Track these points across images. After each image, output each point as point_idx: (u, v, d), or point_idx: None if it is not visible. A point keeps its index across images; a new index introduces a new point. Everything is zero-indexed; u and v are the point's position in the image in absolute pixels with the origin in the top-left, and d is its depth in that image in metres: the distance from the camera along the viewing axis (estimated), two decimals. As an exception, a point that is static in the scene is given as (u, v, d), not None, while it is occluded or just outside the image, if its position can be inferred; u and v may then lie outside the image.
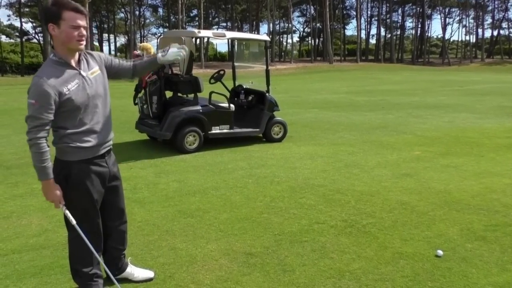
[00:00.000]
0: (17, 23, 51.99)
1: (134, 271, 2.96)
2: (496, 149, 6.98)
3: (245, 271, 3.07)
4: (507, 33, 70.48)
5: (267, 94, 7.63)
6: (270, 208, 4.32)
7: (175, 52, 2.67)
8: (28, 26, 68.41)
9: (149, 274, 2.99)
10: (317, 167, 5.92)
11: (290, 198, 4.62)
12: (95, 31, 55.97)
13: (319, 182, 5.20)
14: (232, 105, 7.33)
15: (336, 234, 3.69)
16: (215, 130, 7.17)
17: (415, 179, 5.28)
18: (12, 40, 56.98)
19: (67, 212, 2.45)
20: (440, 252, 3.28)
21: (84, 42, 2.35)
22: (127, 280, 2.93)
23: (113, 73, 2.65)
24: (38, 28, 52.75)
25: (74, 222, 2.44)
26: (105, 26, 59.25)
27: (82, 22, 2.32)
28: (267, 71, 7.72)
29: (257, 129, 7.59)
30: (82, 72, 2.41)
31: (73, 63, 2.40)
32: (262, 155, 6.67)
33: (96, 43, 57.27)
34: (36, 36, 55.07)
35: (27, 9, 52.40)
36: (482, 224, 3.86)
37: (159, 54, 2.70)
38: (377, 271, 3.06)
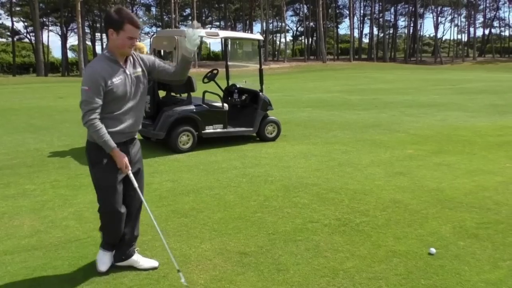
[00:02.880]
0: (8, 23, 51.46)
1: (140, 260, 3.11)
2: (488, 147, 7.03)
3: (239, 270, 3.07)
4: (498, 31, 71.20)
5: (260, 93, 7.63)
6: (264, 207, 4.32)
7: (191, 38, 2.82)
8: (19, 26, 67.88)
9: (153, 263, 3.11)
10: (310, 166, 5.93)
11: (284, 197, 4.63)
12: (87, 30, 55.60)
13: (312, 181, 5.21)
14: (225, 105, 7.32)
15: (330, 233, 3.70)
16: (209, 129, 7.15)
17: (408, 178, 5.31)
18: (3, 40, 56.50)
19: (131, 175, 2.86)
20: (433, 250, 3.30)
21: (132, 50, 2.80)
22: (131, 268, 3.03)
23: (156, 73, 2.98)
24: (29, 28, 52.38)
25: (136, 185, 2.87)
26: (98, 25, 58.82)
27: (136, 34, 2.74)
28: (261, 70, 7.72)
29: (251, 128, 7.59)
30: (126, 70, 2.80)
31: (121, 61, 2.79)
32: (256, 154, 6.67)
33: (89, 43, 56.94)
34: (28, 36, 54.67)
35: (18, 8, 51.98)
36: (474, 222, 3.89)
37: (183, 51, 2.87)
38: (370, 269, 3.07)
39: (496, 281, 2.90)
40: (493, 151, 6.74)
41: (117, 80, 2.73)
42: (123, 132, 2.83)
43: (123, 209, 2.96)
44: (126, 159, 2.79)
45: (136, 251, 3.15)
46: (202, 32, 7.59)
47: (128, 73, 2.81)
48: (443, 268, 3.07)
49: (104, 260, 3.06)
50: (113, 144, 2.73)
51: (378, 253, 3.30)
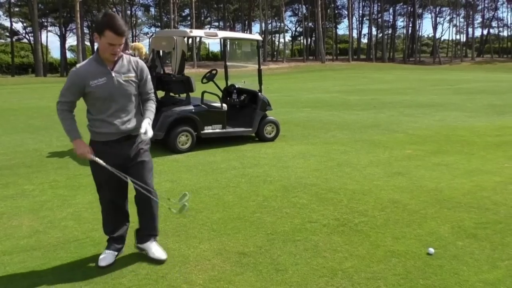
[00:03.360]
0: (7, 23, 51.38)
1: (152, 247, 3.23)
2: (486, 147, 7.04)
3: (238, 270, 3.07)
4: (497, 32, 71.28)
5: (259, 93, 7.63)
6: (262, 208, 4.32)
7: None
8: (18, 26, 67.83)
9: (161, 255, 3.20)
10: (309, 166, 5.93)
11: (283, 197, 4.63)
12: (86, 30, 55.50)
13: (311, 181, 5.22)
14: (224, 105, 7.32)
15: (328, 233, 3.70)
16: (208, 129, 7.15)
17: (407, 178, 5.32)
18: (2, 40, 56.39)
19: (97, 159, 2.92)
20: (431, 250, 3.31)
21: (115, 56, 2.86)
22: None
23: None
24: (28, 28, 52.31)
25: (103, 164, 2.91)
26: (97, 25, 58.74)
27: (118, 42, 2.78)
28: (260, 71, 7.72)
29: (250, 129, 7.59)
30: (112, 73, 2.88)
31: (108, 63, 2.88)
32: (255, 155, 6.67)
33: (88, 43, 56.81)
34: (27, 36, 54.61)
35: (17, 9, 51.91)
36: (472, 222, 3.90)
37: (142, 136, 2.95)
38: (369, 269, 3.07)
39: (495, 281, 2.91)
40: (491, 151, 6.75)
41: (99, 81, 2.84)
42: (113, 133, 2.95)
43: (117, 201, 3.19)
44: (85, 150, 2.89)
45: (153, 239, 3.28)
46: (202, 33, 7.61)
47: (113, 75, 2.88)
48: (442, 268, 3.08)
49: (104, 257, 3.17)
50: (74, 135, 2.89)
51: (376, 253, 3.31)
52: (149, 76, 3.11)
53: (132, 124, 3.02)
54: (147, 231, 3.27)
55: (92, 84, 2.82)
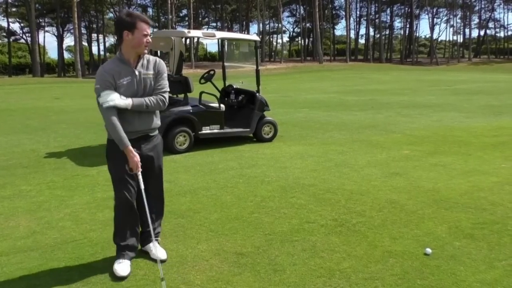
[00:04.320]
0: (4, 23, 51.36)
1: (153, 248, 3.22)
2: (483, 148, 7.06)
3: (236, 271, 3.07)
4: (493, 33, 71.51)
5: (257, 94, 7.63)
6: (260, 208, 4.33)
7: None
8: (15, 26, 67.51)
9: (160, 255, 3.18)
10: (307, 167, 5.94)
11: (281, 198, 4.63)
12: (84, 31, 55.43)
13: (309, 181, 5.22)
14: (222, 105, 7.32)
15: (326, 233, 3.71)
16: (206, 130, 7.15)
17: (404, 178, 5.33)
18: (-1, 40, 56.23)
19: (140, 177, 2.95)
20: (428, 250, 3.32)
21: (147, 48, 2.94)
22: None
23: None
24: (26, 28, 52.18)
25: (142, 186, 2.95)
26: (94, 26, 58.68)
27: (149, 31, 2.91)
28: (257, 71, 7.73)
29: (248, 129, 7.59)
30: (136, 71, 2.93)
31: (132, 62, 2.94)
32: (253, 155, 6.68)
33: (85, 43, 56.76)
34: (24, 36, 54.47)
35: (14, 9, 51.75)
36: (470, 222, 3.91)
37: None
38: (367, 269, 3.08)
39: (492, 281, 2.92)
40: (488, 152, 6.77)
41: (125, 80, 2.89)
42: (132, 131, 2.95)
43: (133, 204, 3.09)
44: (137, 159, 2.89)
45: (155, 240, 3.26)
46: (200, 33, 7.61)
47: (137, 73, 2.94)
48: (439, 268, 3.08)
49: (122, 268, 3.04)
50: (126, 142, 2.85)
51: (374, 254, 3.31)
52: (165, 75, 3.08)
53: (150, 123, 3.06)
54: (148, 232, 3.23)
55: (119, 84, 2.87)
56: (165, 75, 3.08)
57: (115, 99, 2.83)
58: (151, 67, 3.01)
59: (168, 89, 3.09)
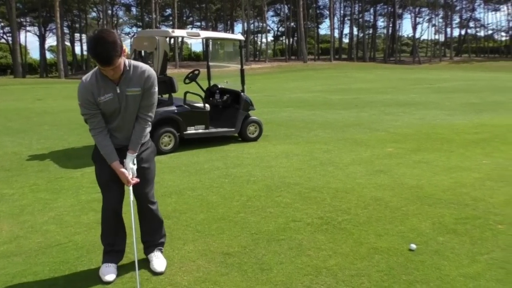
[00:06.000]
0: (-17, 23, 50.18)
1: (153, 259, 3.12)
2: (465, 145, 7.19)
3: (223, 271, 3.07)
4: (474, 32, 72.82)
5: (242, 93, 7.63)
6: (246, 208, 4.33)
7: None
8: (-5, 26, 66.09)
9: (158, 268, 3.06)
10: (292, 166, 5.96)
11: (267, 197, 4.64)
12: (66, 30, 54.61)
13: (295, 180, 5.25)
14: (207, 105, 7.31)
15: (312, 231, 3.73)
16: (191, 130, 7.13)
17: (388, 175, 5.39)
18: (-22, 41, 55.02)
19: (130, 189, 2.89)
20: (413, 246, 3.37)
21: (115, 78, 2.68)
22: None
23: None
24: (6, 28, 51.12)
25: (131, 198, 2.88)
26: (77, 25, 57.86)
27: (108, 69, 2.59)
28: (242, 71, 7.72)
29: (233, 129, 7.58)
30: (117, 88, 2.73)
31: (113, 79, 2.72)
32: (238, 155, 6.68)
33: (68, 43, 55.95)
34: (4, 36, 53.37)
35: (-7, 9, 50.63)
36: (453, 218, 3.98)
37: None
38: (353, 266, 3.11)
39: (475, 274, 2.98)
40: (470, 149, 6.90)
41: (106, 97, 2.72)
42: (115, 144, 2.86)
43: (118, 209, 3.02)
44: (126, 173, 2.82)
45: (157, 250, 3.19)
46: (184, 33, 7.58)
47: (119, 91, 2.72)
48: (424, 264, 3.13)
49: (108, 271, 3.00)
50: (113, 158, 2.81)
51: (360, 251, 3.35)
52: (153, 90, 2.82)
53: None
54: (148, 242, 3.20)
55: (99, 101, 2.71)
56: (154, 90, 2.83)
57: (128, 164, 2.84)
58: (137, 82, 2.74)
59: (156, 104, 2.94)
